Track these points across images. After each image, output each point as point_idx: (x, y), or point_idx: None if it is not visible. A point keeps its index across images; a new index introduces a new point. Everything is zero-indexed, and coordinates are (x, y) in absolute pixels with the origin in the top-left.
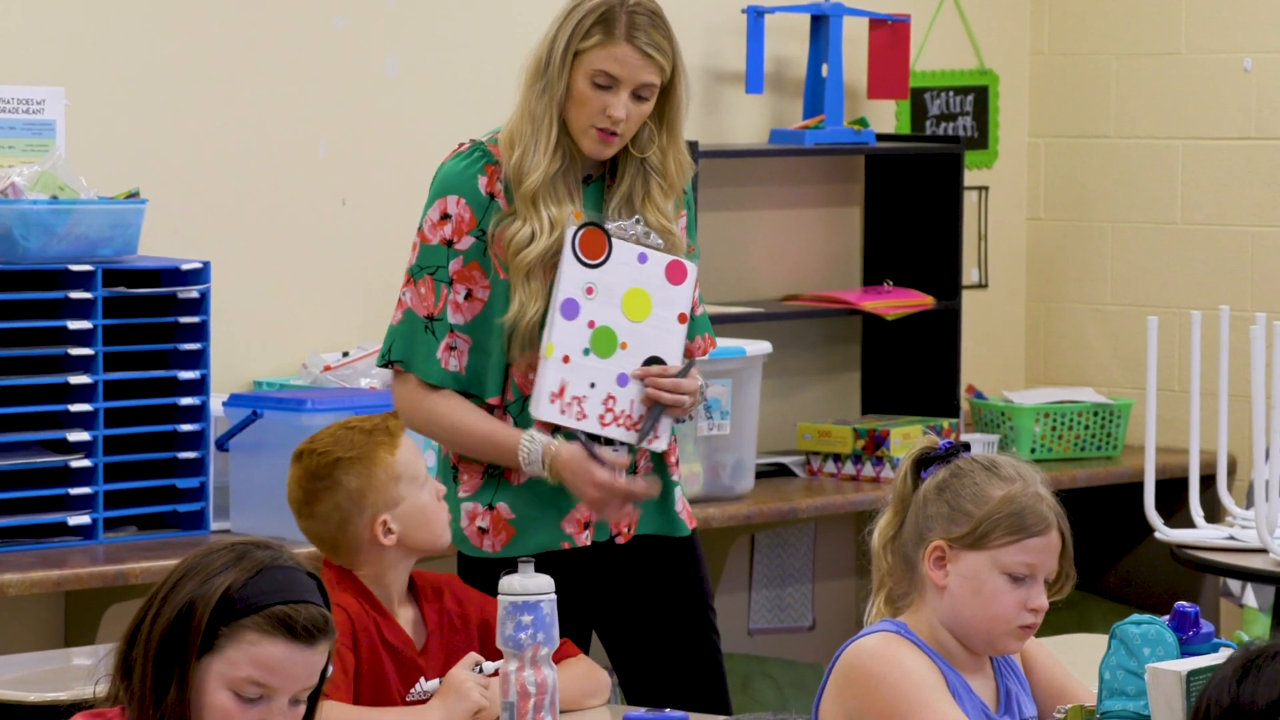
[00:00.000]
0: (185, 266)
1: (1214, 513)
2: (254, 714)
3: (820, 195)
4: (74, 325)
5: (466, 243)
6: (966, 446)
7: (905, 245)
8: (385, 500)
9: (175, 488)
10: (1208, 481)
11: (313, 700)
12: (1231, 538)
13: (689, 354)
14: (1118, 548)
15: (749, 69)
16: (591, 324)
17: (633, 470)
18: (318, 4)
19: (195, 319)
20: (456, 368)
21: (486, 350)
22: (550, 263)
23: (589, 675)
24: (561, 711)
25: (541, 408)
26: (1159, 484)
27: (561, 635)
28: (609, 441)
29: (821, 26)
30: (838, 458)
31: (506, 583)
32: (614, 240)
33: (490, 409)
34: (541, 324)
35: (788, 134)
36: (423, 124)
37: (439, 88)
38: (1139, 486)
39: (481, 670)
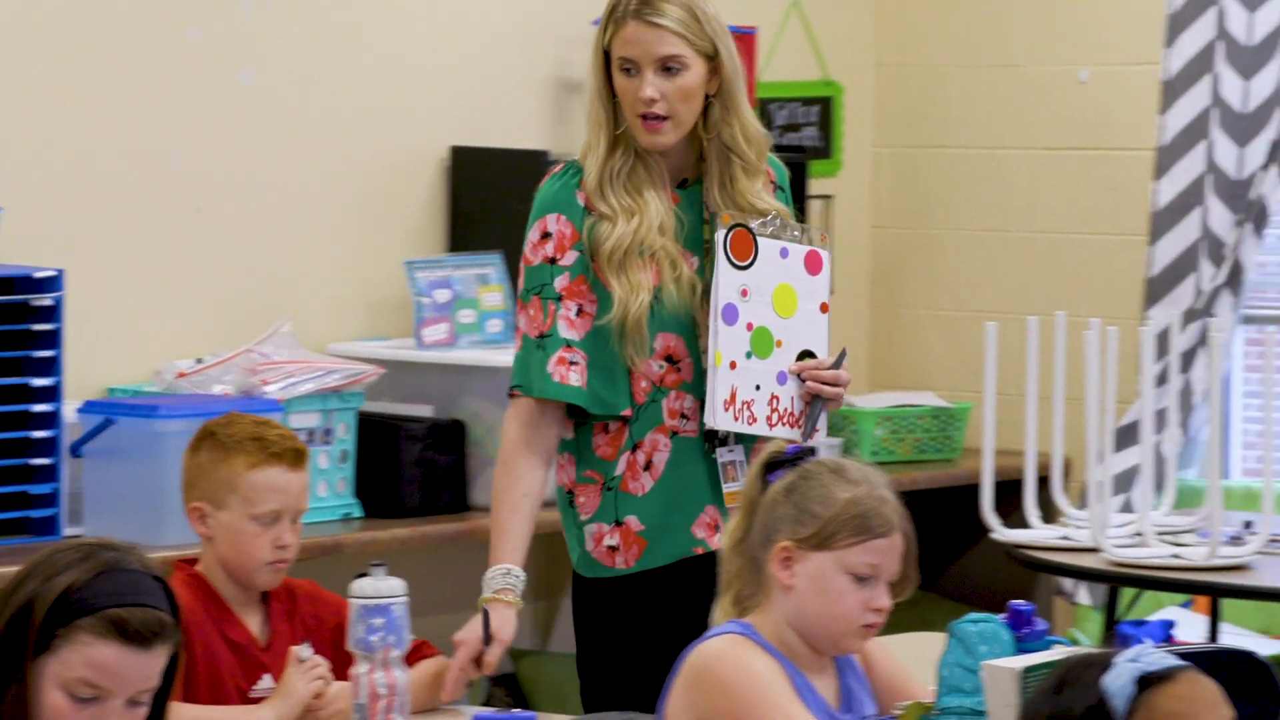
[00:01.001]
0: (39, 274)
1: (1050, 513)
2: (88, 714)
3: None
4: None
5: (570, 257)
6: (813, 451)
7: None
8: (211, 494)
9: (28, 494)
10: (1043, 483)
11: (161, 700)
12: (1066, 538)
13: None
14: (956, 548)
15: None
16: (750, 326)
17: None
18: (173, 16)
19: (49, 326)
20: (578, 382)
21: (606, 364)
22: (649, 252)
23: (440, 674)
24: (419, 712)
25: (718, 417)
26: (997, 485)
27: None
28: (723, 441)
29: None
30: None
31: (358, 586)
32: (759, 239)
33: (624, 421)
34: (649, 317)
35: None
36: (277, 133)
37: (293, 98)
38: (977, 488)
39: (302, 660)
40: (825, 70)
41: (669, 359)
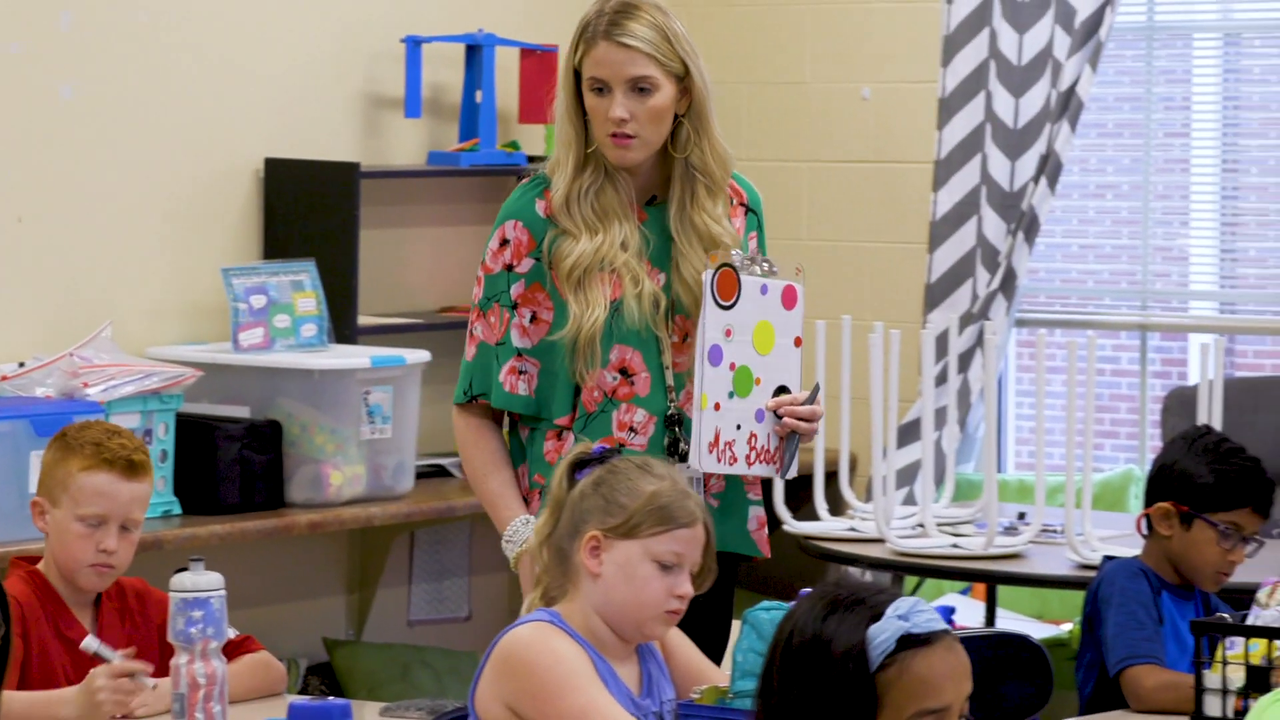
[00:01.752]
0: None
1: (837, 507)
2: None
3: (475, 213)
4: None
5: (526, 265)
6: (619, 450)
7: None
8: (49, 491)
9: None
10: (831, 478)
11: None
12: (853, 529)
13: None
14: None
15: (408, 95)
16: (732, 366)
17: (703, 488)
18: None
19: None
20: (526, 391)
21: (554, 372)
22: (609, 269)
23: (267, 668)
24: (240, 701)
25: (702, 459)
26: (787, 481)
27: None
28: (682, 457)
29: (475, 56)
30: None
31: (177, 580)
32: (742, 277)
33: (559, 430)
34: (603, 335)
35: (445, 156)
36: (97, 145)
37: (112, 111)
38: (770, 482)
39: (92, 653)
40: None
41: (623, 371)
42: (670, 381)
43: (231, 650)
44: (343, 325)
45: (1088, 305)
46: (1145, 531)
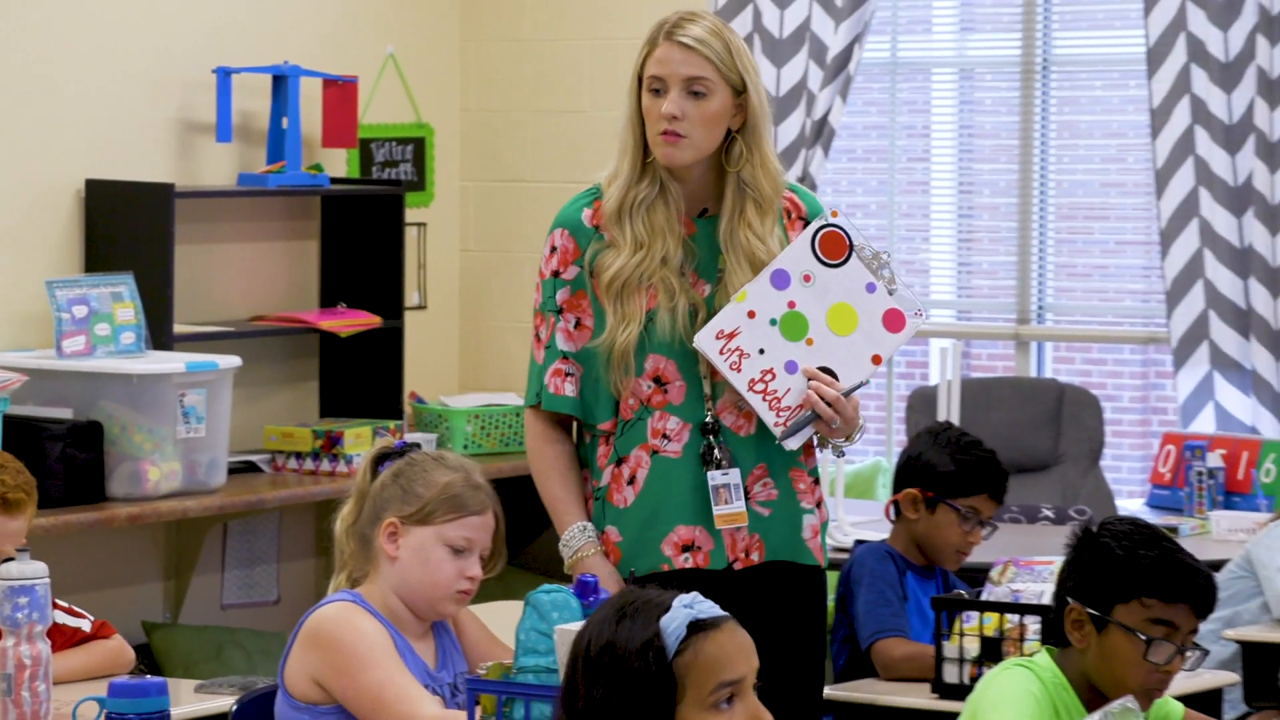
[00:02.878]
0: None
1: None
2: None
3: (282, 230)
4: None
5: (572, 272)
6: (418, 446)
7: (356, 272)
8: None
9: None
10: None
11: None
12: None
13: None
14: (536, 527)
15: (219, 121)
16: (792, 304)
17: (746, 495)
18: None
19: None
20: (572, 393)
21: (596, 377)
22: (647, 283)
23: (115, 654)
24: (89, 680)
25: (704, 337)
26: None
27: None
28: (718, 465)
29: (281, 85)
30: (299, 455)
31: (4, 569)
32: (856, 255)
33: (605, 435)
34: (638, 348)
35: (253, 177)
36: None
37: None
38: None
39: None
40: (418, 114)
41: (657, 380)
42: (708, 390)
43: (89, 638)
44: (159, 333)
45: None
46: (893, 516)
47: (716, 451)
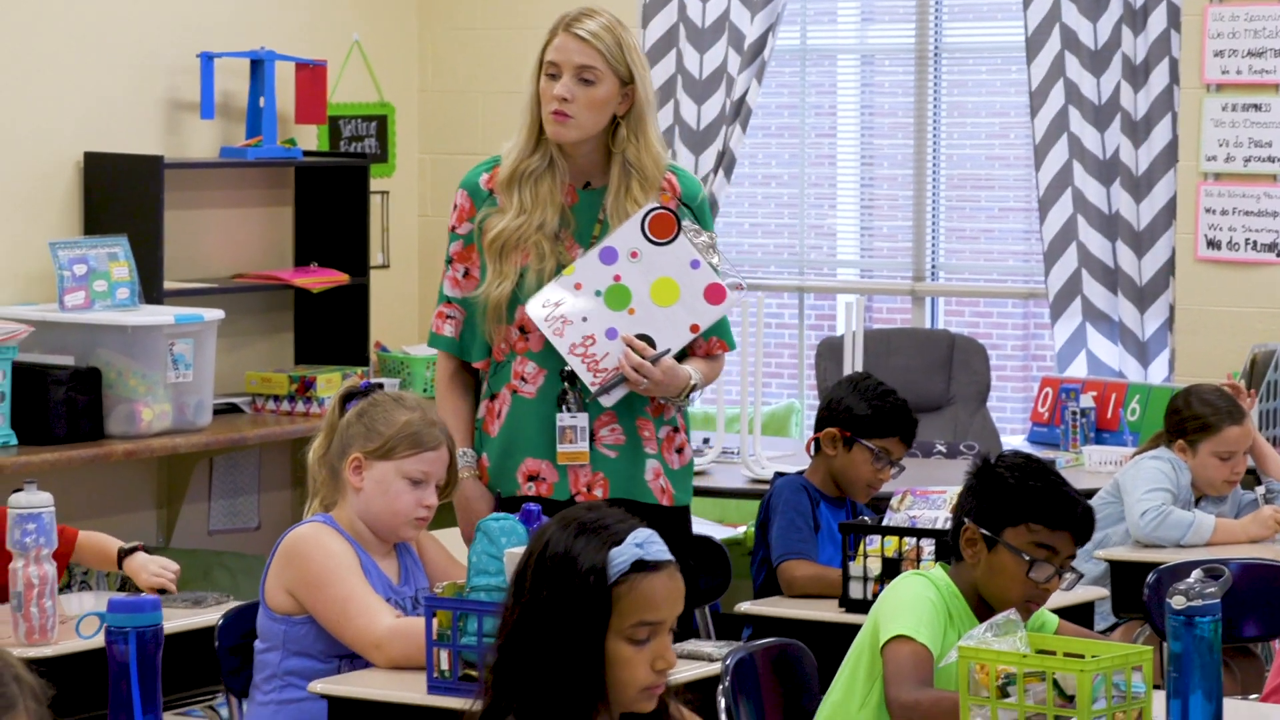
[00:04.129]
0: None
1: None
2: None
3: (260, 197)
4: None
5: (465, 228)
6: (381, 385)
7: (326, 235)
8: None
9: None
10: None
11: None
12: None
13: (699, 350)
14: None
15: (203, 100)
16: (617, 278)
17: (592, 439)
18: None
19: None
20: (451, 334)
21: (475, 323)
22: (523, 245)
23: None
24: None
25: (533, 306)
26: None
27: None
28: (568, 408)
29: (259, 68)
30: (277, 398)
31: (14, 499)
32: (683, 235)
33: (476, 373)
34: (509, 301)
35: (234, 150)
36: None
37: None
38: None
39: None
40: (381, 94)
41: (522, 329)
42: None
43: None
44: (151, 289)
45: (757, 272)
46: (813, 452)
47: (569, 396)
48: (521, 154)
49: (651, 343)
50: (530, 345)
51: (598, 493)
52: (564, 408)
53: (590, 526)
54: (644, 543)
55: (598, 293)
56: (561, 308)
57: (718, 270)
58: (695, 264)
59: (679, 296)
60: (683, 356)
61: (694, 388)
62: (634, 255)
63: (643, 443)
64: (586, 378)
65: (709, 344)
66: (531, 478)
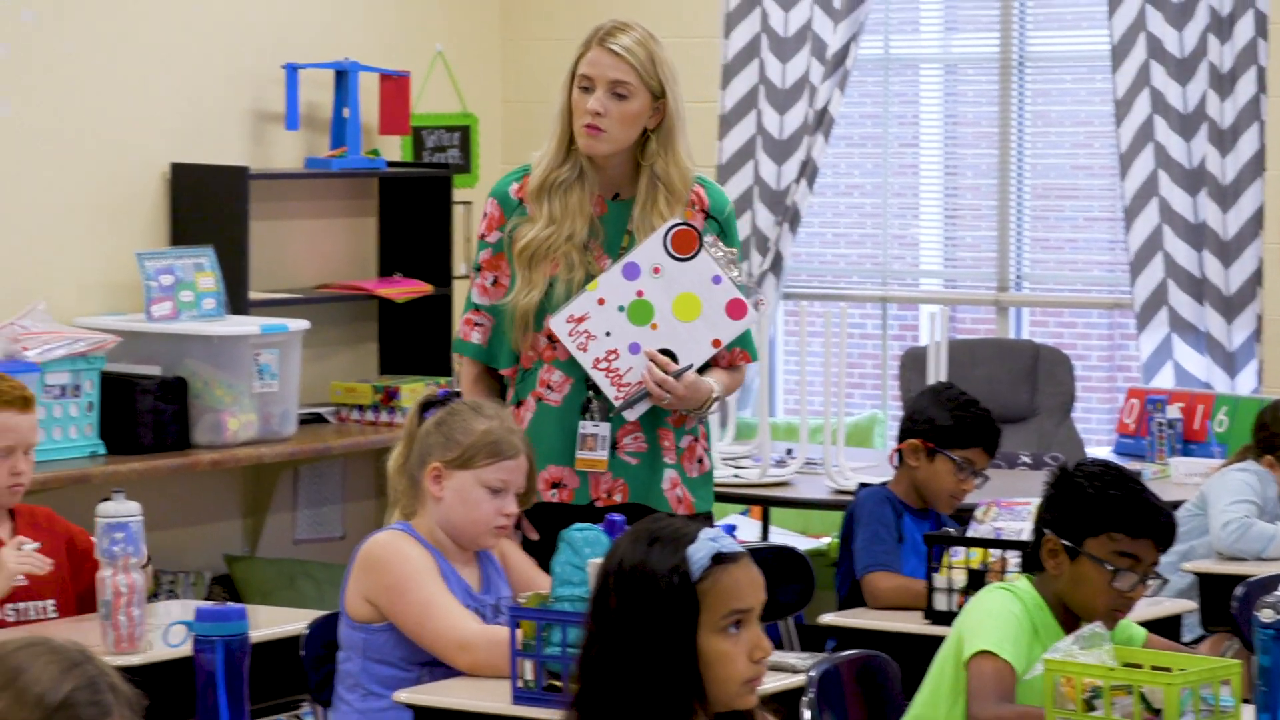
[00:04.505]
0: None
1: None
2: None
3: (344, 208)
4: None
5: (494, 236)
6: (459, 394)
7: (410, 245)
8: None
9: None
10: None
11: None
12: None
13: (722, 361)
14: None
15: (288, 111)
16: (640, 293)
17: (614, 447)
18: None
19: None
20: (479, 340)
21: (503, 331)
22: (552, 255)
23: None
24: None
25: (557, 321)
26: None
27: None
28: (591, 416)
29: (343, 79)
30: (361, 407)
31: (103, 508)
32: (705, 251)
33: (502, 379)
34: (538, 310)
35: (318, 161)
36: (33, 153)
37: (45, 125)
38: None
39: (21, 548)
40: (464, 104)
41: (550, 338)
42: None
43: None
44: (236, 299)
45: (840, 282)
46: (896, 464)
47: (593, 405)
48: (551, 164)
49: (674, 357)
50: (558, 354)
51: (617, 498)
52: (587, 415)
53: (660, 535)
54: (717, 538)
55: (621, 308)
56: (585, 323)
57: (739, 286)
58: (717, 279)
59: (701, 312)
60: (704, 368)
61: (715, 399)
62: (656, 271)
63: (662, 452)
64: (610, 392)
65: (732, 355)
66: (554, 485)
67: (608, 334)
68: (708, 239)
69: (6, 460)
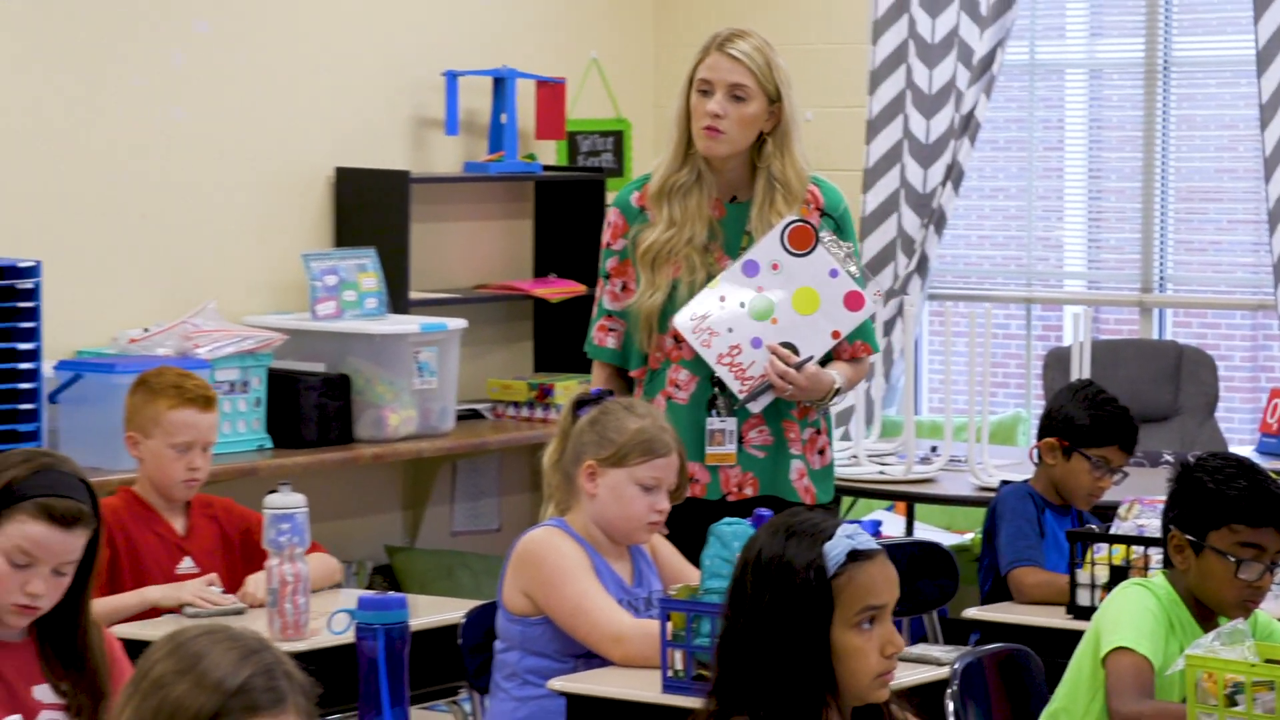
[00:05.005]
0: (21, 264)
1: None
2: (21, 577)
3: (501, 210)
4: None
5: (619, 244)
6: (611, 393)
7: (564, 247)
8: (140, 426)
9: (16, 431)
10: None
11: (84, 574)
12: None
13: (844, 354)
14: None
15: (448, 117)
16: (760, 289)
17: (740, 441)
18: (121, 67)
19: (30, 304)
20: (614, 345)
21: (632, 334)
22: (674, 258)
23: (326, 563)
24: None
25: (681, 318)
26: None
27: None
28: (717, 412)
29: (501, 86)
30: (517, 404)
31: (269, 500)
32: (821, 245)
33: (632, 381)
34: (661, 311)
35: (477, 165)
36: (204, 157)
37: (215, 130)
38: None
39: (210, 586)
40: (618, 110)
41: (676, 338)
42: None
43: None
44: (397, 299)
45: (984, 283)
46: (1035, 461)
47: (718, 400)
48: (670, 169)
49: (795, 350)
50: (684, 354)
51: (748, 491)
52: (713, 411)
53: (798, 529)
54: (854, 534)
55: (742, 304)
56: (708, 320)
57: (856, 279)
58: (834, 273)
59: (819, 305)
60: (826, 361)
61: (837, 391)
62: (775, 267)
63: (788, 444)
64: (734, 386)
65: (853, 348)
66: (692, 480)
67: (730, 330)
68: (823, 234)
69: (185, 456)
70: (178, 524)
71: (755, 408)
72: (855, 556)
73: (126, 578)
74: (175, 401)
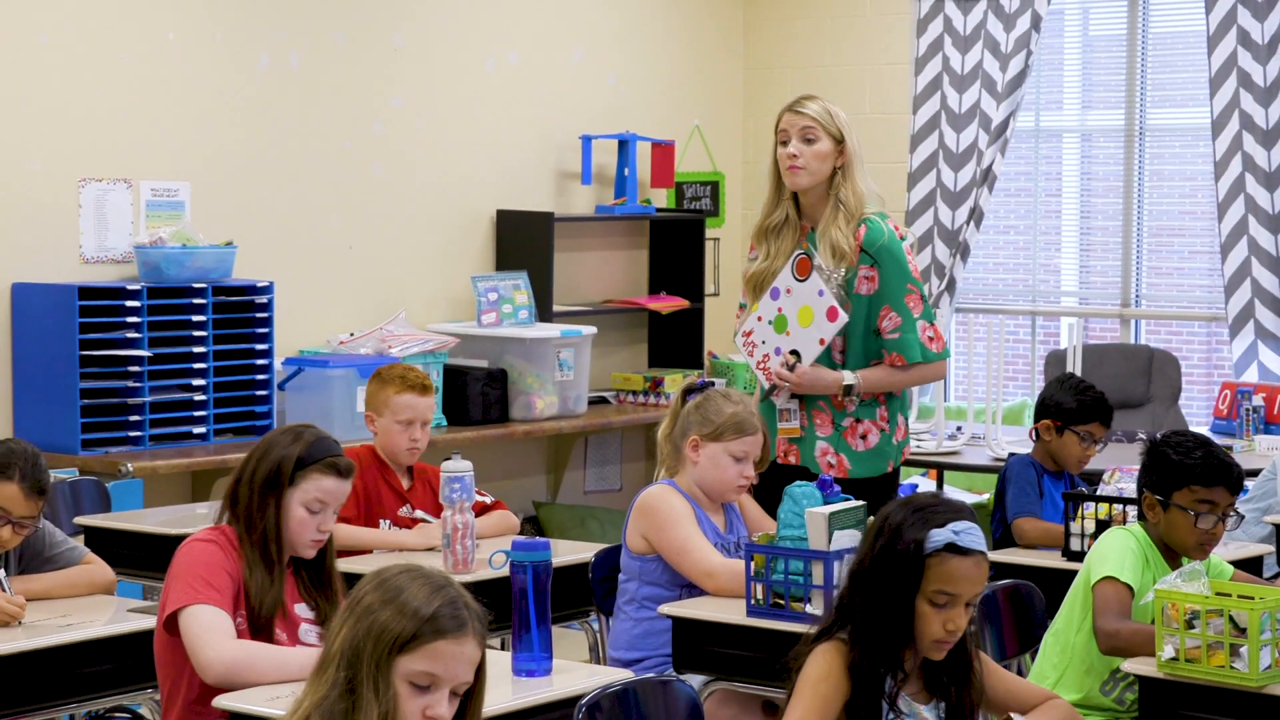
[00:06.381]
0: (259, 284)
1: None
2: (316, 520)
3: (624, 243)
4: (196, 319)
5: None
6: (713, 383)
7: (673, 271)
8: (375, 407)
9: (254, 411)
10: None
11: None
12: None
13: (884, 360)
14: None
15: (583, 170)
16: (780, 310)
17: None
18: (333, 131)
19: (265, 314)
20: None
21: None
22: (766, 283)
23: (506, 519)
24: (486, 537)
25: (737, 337)
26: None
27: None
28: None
29: (625, 146)
30: (635, 393)
31: (445, 466)
32: (815, 271)
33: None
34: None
35: (605, 208)
36: (397, 200)
37: (405, 180)
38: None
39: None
40: (714, 165)
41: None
42: None
43: (487, 507)
44: (543, 311)
45: (998, 300)
46: (1034, 438)
47: (775, 391)
48: (767, 210)
49: (798, 356)
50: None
51: (792, 459)
52: (775, 398)
53: (924, 508)
54: (961, 531)
55: (769, 321)
56: (752, 335)
57: (835, 297)
58: (821, 293)
59: (814, 319)
60: (863, 365)
61: (849, 388)
62: (788, 291)
63: (816, 428)
64: (765, 384)
65: (890, 356)
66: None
67: (763, 342)
68: (817, 262)
69: (408, 430)
70: (404, 481)
71: (778, 401)
72: (951, 549)
73: (361, 514)
74: (400, 387)
